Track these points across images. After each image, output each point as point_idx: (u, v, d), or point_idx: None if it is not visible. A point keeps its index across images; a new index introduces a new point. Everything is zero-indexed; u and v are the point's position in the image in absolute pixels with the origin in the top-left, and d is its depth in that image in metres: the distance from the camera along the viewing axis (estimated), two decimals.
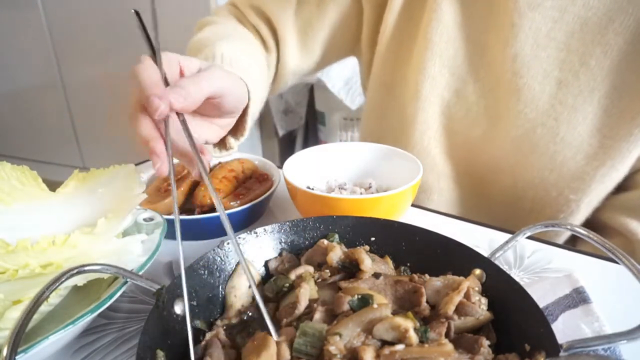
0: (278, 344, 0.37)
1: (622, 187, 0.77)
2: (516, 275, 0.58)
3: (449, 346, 0.36)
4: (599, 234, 0.72)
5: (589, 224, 0.80)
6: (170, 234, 0.60)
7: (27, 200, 0.53)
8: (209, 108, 0.55)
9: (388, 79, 0.88)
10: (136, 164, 0.93)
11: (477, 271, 0.45)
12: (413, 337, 0.35)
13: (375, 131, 0.94)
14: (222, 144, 0.68)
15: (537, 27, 0.70)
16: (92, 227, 0.49)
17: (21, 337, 0.33)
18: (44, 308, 0.45)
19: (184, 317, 0.43)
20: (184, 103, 0.46)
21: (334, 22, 0.87)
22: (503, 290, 0.43)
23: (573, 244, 0.81)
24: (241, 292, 0.47)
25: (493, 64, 0.76)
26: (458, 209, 0.89)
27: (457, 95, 0.81)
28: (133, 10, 0.53)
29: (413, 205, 0.72)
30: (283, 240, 0.53)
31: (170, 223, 0.59)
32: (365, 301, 0.40)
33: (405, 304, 0.43)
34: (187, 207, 0.74)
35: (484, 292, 0.44)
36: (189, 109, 0.48)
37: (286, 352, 0.36)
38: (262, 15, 0.89)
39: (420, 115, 0.83)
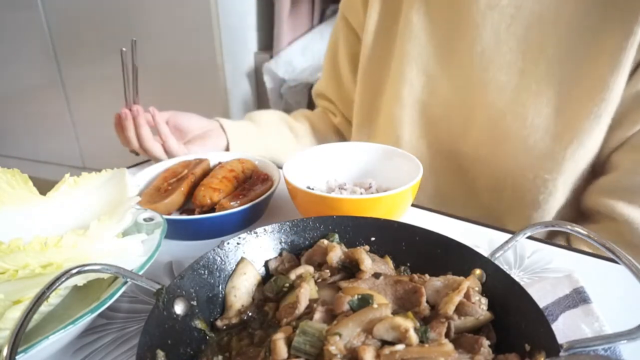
0: (276, 341, 0.37)
1: (602, 171, 0.81)
2: (516, 275, 0.58)
3: (449, 346, 0.36)
4: (590, 220, 0.74)
5: (578, 211, 0.84)
6: (170, 234, 0.60)
7: (18, 203, 0.53)
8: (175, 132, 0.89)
9: (373, 87, 0.98)
10: (134, 165, 0.93)
11: (477, 271, 0.45)
12: (413, 337, 0.35)
13: (367, 132, 1.02)
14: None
15: (497, 24, 0.79)
16: (85, 229, 0.49)
17: (21, 337, 0.33)
18: (44, 308, 0.45)
19: (184, 317, 0.43)
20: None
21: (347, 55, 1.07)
22: (503, 290, 0.43)
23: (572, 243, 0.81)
24: (241, 292, 0.47)
25: (462, 62, 0.84)
26: (446, 200, 0.94)
27: (433, 94, 0.89)
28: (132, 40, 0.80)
29: (413, 205, 0.72)
30: (283, 240, 0.53)
31: (171, 223, 0.59)
32: (365, 301, 0.40)
33: (405, 304, 0.43)
34: (187, 207, 0.74)
35: (484, 292, 0.44)
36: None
37: (283, 350, 0.36)
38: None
39: (405, 117, 0.91)
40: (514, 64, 0.79)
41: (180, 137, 0.90)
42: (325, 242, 0.51)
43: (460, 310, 0.41)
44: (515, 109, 0.80)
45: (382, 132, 0.97)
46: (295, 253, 0.52)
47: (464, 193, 0.92)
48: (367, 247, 0.51)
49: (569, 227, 0.44)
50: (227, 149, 0.92)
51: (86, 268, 0.38)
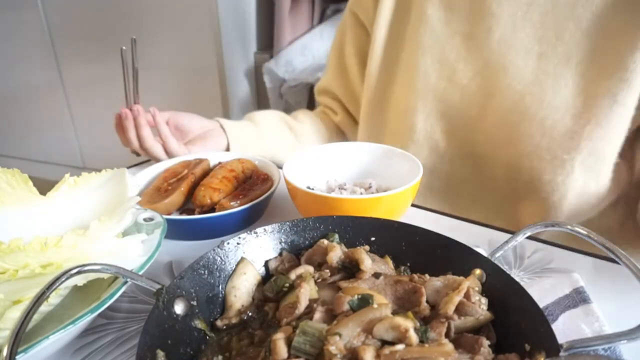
0: (276, 341, 0.37)
1: None
2: (516, 275, 0.58)
3: (449, 346, 0.36)
4: None
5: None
6: (170, 234, 0.60)
7: (18, 203, 0.53)
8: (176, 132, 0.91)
9: (383, 78, 0.98)
10: (134, 165, 0.93)
11: (477, 271, 0.45)
12: (413, 337, 0.35)
13: (377, 124, 1.01)
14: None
15: (514, 12, 0.81)
16: (85, 229, 0.49)
17: (21, 337, 0.33)
18: (44, 308, 0.45)
19: (184, 317, 0.43)
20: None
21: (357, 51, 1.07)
22: (503, 290, 0.43)
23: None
24: (241, 292, 0.47)
25: (479, 50, 0.86)
26: (461, 186, 0.95)
27: (449, 82, 0.90)
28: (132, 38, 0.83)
29: (413, 205, 0.72)
30: (283, 240, 0.53)
31: (171, 223, 0.59)
32: (365, 301, 0.40)
33: (405, 304, 0.43)
34: (187, 207, 0.74)
35: (484, 292, 0.44)
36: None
37: (283, 350, 0.36)
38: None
39: (419, 106, 0.92)
40: (531, 49, 0.81)
41: (180, 138, 0.90)
42: (325, 242, 0.51)
43: (460, 310, 0.41)
44: (533, 91, 0.81)
45: (394, 122, 0.97)
46: (295, 253, 0.52)
47: (478, 178, 0.92)
48: (367, 247, 0.51)
49: (569, 227, 0.44)
50: (228, 149, 0.92)
51: (86, 268, 0.38)
